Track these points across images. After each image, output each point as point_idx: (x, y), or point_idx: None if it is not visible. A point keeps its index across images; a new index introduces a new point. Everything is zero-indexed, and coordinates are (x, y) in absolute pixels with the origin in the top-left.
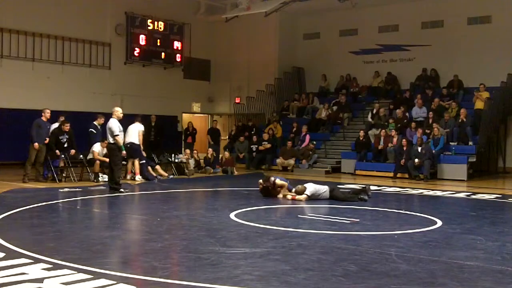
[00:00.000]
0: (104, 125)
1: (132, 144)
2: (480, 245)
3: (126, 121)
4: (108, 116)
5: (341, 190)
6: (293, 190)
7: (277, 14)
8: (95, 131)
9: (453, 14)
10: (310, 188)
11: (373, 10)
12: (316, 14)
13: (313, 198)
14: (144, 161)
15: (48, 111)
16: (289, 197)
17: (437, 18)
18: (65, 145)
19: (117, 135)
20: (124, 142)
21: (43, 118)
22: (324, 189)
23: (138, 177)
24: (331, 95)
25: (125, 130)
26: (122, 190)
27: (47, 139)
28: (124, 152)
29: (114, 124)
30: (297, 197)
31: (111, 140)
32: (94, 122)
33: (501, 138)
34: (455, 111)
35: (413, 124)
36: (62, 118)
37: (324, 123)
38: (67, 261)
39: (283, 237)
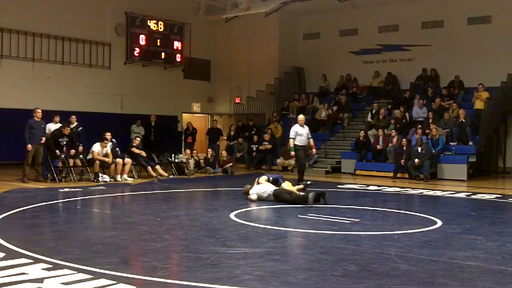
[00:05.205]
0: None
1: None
2: (480, 245)
3: (126, 121)
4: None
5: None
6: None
7: (277, 14)
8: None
9: (453, 14)
10: (256, 189)
11: (373, 10)
12: (316, 14)
13: (260, 199)
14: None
15: (39, 110)
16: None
17: (437, 18)
18: (65, 147)
19: (293, 138)
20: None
21: (35, 118)
22: (269, 191)
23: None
24: (331, 95)
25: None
26: (309, 182)
27: (43, 139)
28: (292, 152)
29: (292, 128)
30: (249, 196)
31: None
32: (52, 123)
33: (501, 138)
34: (456, 112)
35: (417, 125)
36: (57, 119)
37: (324, 123)
38: (67, 261)
39: (283, 237)
